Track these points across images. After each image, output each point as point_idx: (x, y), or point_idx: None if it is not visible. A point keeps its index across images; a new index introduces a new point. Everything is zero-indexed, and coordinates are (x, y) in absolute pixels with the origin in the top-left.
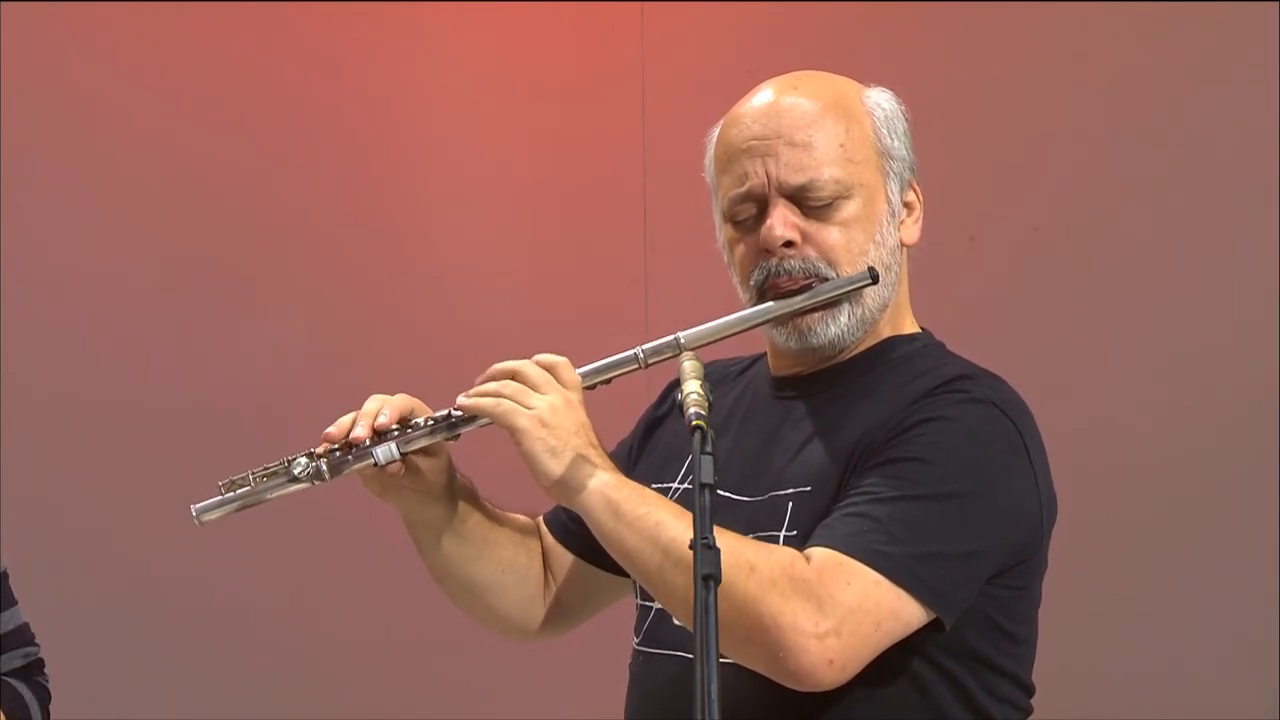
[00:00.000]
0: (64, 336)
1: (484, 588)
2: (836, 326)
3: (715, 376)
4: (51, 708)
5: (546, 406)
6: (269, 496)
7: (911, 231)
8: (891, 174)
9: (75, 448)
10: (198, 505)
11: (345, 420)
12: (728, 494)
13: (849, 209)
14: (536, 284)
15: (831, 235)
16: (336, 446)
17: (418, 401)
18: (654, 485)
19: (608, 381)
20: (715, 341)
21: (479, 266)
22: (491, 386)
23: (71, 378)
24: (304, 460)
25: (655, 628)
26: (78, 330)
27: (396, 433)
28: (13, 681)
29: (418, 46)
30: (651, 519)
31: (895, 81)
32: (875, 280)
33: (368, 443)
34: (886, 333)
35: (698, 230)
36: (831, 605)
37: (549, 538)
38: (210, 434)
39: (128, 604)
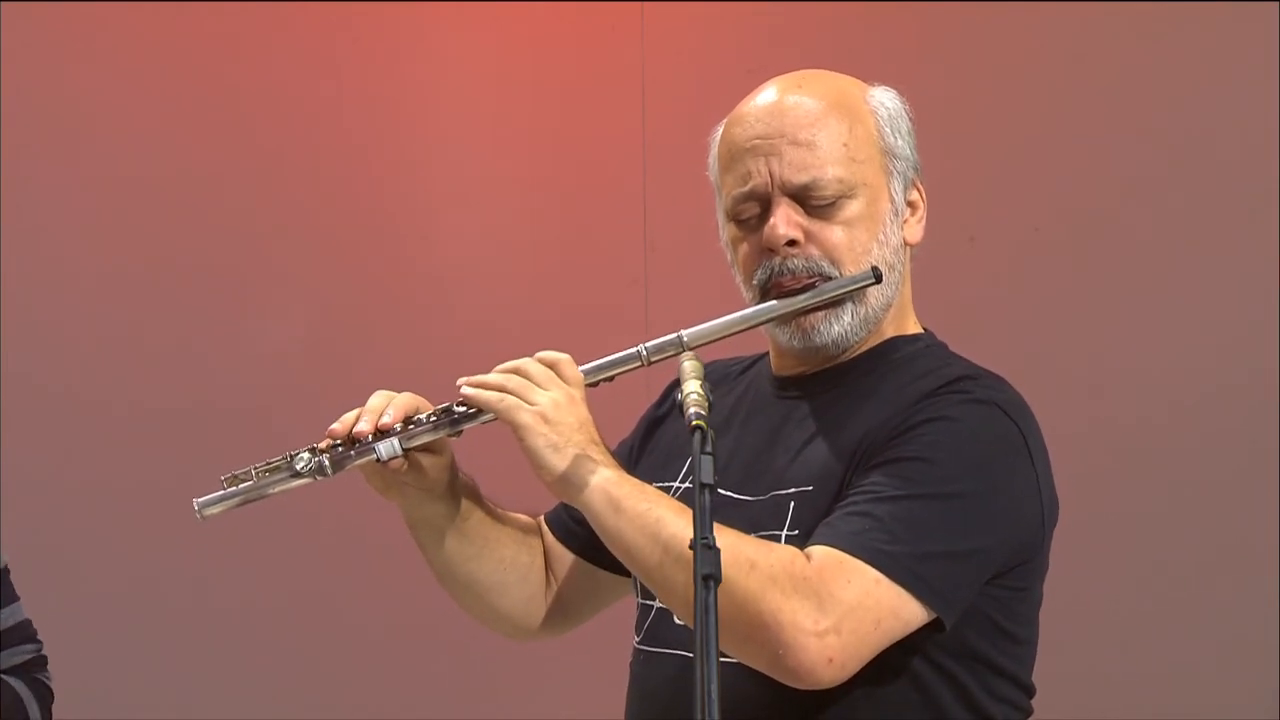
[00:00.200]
0: (64, 336)
1: (485, 586)
2: (840, 325)
3: (716, 376)
4: (53, 706)
5: (549, 402)
6: (271, 491)
7: (915, 231)
8: (895, 173)
9: (75, 447)
10: (200, 499)
11: (349, 416)
12: (729, 493)
13: (852, 208)
14: (536, 284)
15: (835, 234)
16: (339, 442)
17: (422, 400)
18: (655, 484)
19: (611, 379)
20: (718, 340)
21: (479, 266)
22: (495, 381)
23: (72, 377)
24: (306, 455)
25: (656, 627)
26: (78, 330)
27: (400, 428)
28: (10, 679)
29: (418, 46)
30: (652, 515)
31: (895, 81)
32: (878, 279)
33: (370, 438)
34: (890, 333)
35: (698, 230)
36: (832, 603)
37: (550, 537)
38: (210, 433)
39: (127, 603)
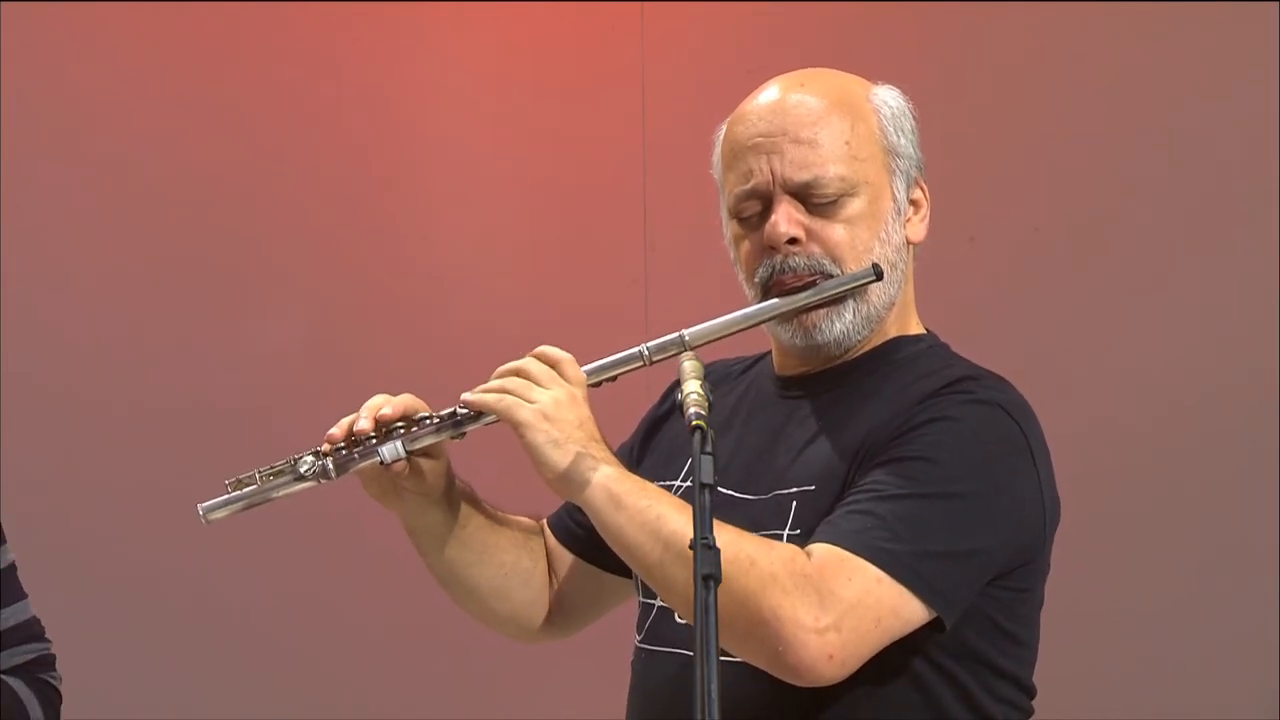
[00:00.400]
0: (64, 336)
1: (487, 591)
2: (841, 323)
3: (718, 375)
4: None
5: (550, 400)
6: (275, 495)
7: (918, 229)
8: (897, 171)
9: (75, 447)
10: (204, 504)
11: (347, 420)
12: (731, 492)
13: (854, 206)
14: (536, 284)
15: (836, 232)
16: (342, 445)
17: (421, 401)
18: (656, 483)
19: (613, 379)
20: (720, 339)
21: (479, 266)
22: (495, 383)
23: (72, 377)
24: (310, 459)
25: (657, 625)
26: (78, 330)
27: (402, 430)
28: (10, 680)
29: (418, 46)
30: (653, 512)
31: (895, 81)
32: (879, 277)
33: (374, 441)
34: (893, 332)
35: (698, 230)
36: (832, 600)
37: (552, 540)
38: (210, 433)
39: (128, 603)
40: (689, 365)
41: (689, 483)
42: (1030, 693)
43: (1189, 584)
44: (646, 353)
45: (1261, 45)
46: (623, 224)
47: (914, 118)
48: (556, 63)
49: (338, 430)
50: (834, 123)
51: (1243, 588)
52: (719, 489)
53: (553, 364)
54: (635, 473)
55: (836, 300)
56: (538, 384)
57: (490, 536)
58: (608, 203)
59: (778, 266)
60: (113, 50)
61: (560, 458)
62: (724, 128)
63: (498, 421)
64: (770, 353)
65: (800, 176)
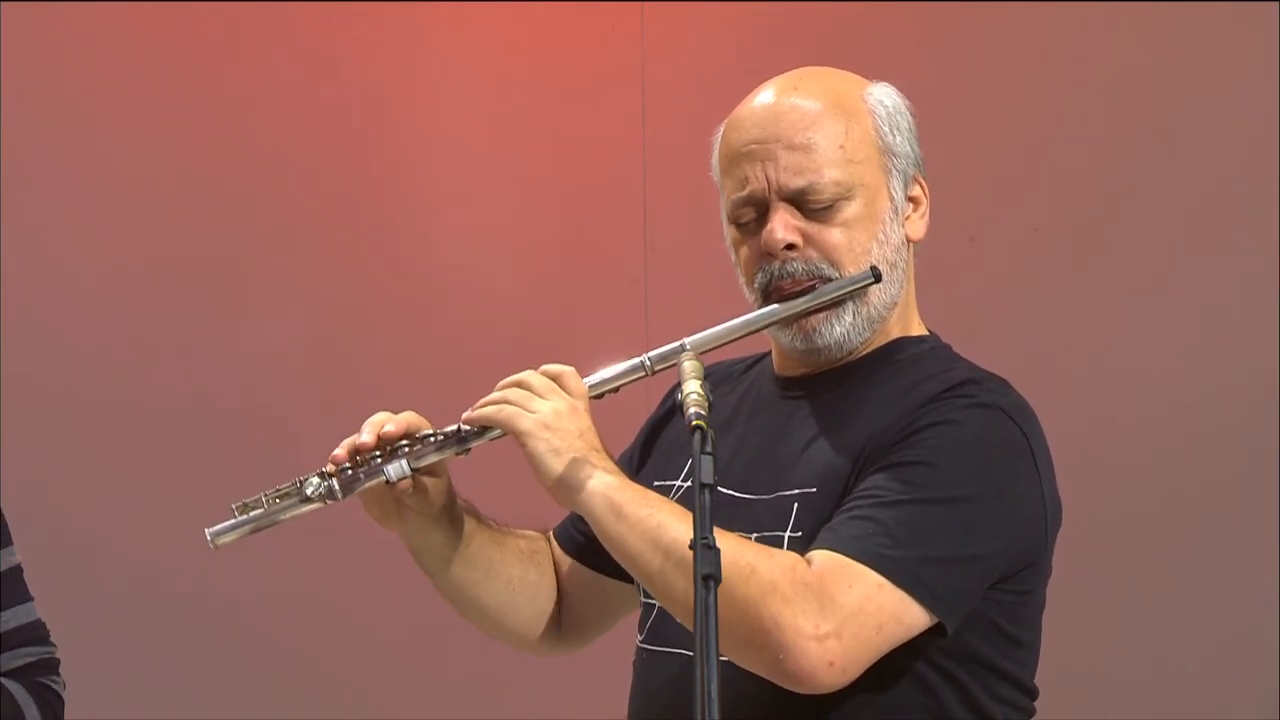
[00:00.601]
0: (64, 336)
1: (495, 608)
2: (841, 326)
3: (719, 375)
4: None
5: (550, 411)
6: (282, 517)
7: (917, 227)
8: (894, 171)
9: (75, 446)
10: (212, 529)
11: (350, 439)
12: (732, 492)
13: (850, 209)
14: (536, 284)
15: (833, 236)
16: (348, 465)
17: (423, 418)
18: (657, 482)
19: (615, 390)
20: (721, 346)
21: (479, 266)
22: (496, 395)
23: (72, 377)
24: (316, 480)
25: (659, 625)
26: (78, 329)
27: (406, 448)
28: (8, 683)
29: (418, 46)
30: (653, 520)
31: (895, 81)
32: (878, 279)
33: (378, 460)
34: (895, 332)
35: (698, 230)
36: (833, 607)
37: (559, 551)
38: (210, 433)
39: (128, 602)
40: (689, 365)
41: (690, 482)
42: (1032, 694)
43: (1189, 584)
44: (648, 363)
45: (1261, 45)
46: (623, 224)
47: (911, 115)
48: (556, 63)
49: (341, 450)
50: (828, 126)
51: (1243, 588)
52: (720, 489)
53: (554, 377)
54: (636, 478)
55: (836, 303)
56: (539, 395)
57: (495, 553)
58: (608, 203)
59: (776, 272)
60: (113, 50)
61: (561, 467)
62: (720, 132)
63: (502, 436)
64: (770, 353)
65: (795, 183)
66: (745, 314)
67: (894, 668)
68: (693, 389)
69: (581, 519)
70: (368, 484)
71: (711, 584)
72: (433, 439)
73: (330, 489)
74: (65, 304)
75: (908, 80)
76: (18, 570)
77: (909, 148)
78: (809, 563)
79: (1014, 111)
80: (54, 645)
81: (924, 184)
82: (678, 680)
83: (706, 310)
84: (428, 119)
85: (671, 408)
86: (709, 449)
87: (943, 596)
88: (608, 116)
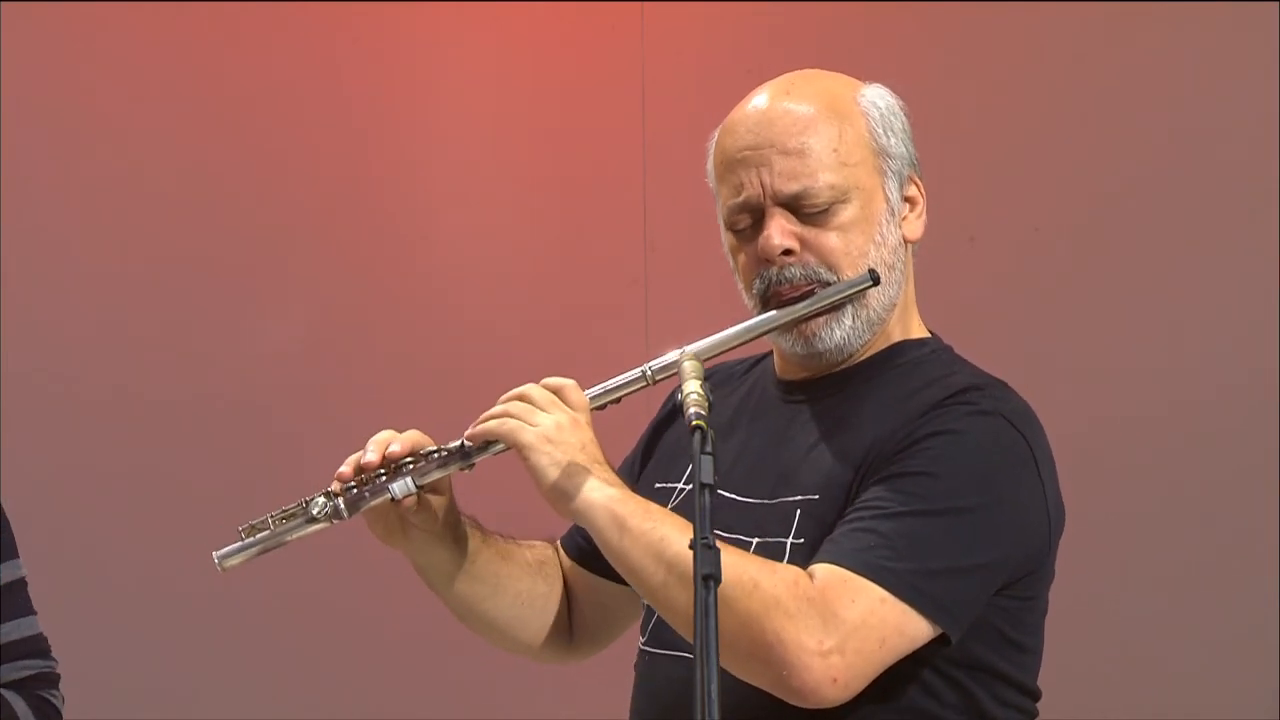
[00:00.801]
0: (64, 335)
1: (504, 622)
2: (841, 330)
3: (720, 376)
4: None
5: (552, 424)
6: (289, 538)
7: (915, 227)
8: (889, 172)
9: (76, 446)
10: (219, 552)
11: (354, 457)
12: (734, 495)
13: (846, 213)
14: (536, 284)
15: (830, 240)
16: (352, 484)
17: (426, 436)
18: (658, 485)
19: (617, 400)
20: (721, 354)
21: (479, 266)
22: (498, 408)
23: (72, 376)
24: (321, 500)
25: (660, 628)
26: (78, 329)
27: (410, 466)
28: (8, 694)
29: (418, 46)
30: (657, 534)
31: (895, 81)
32: (876, 282)
33: (383, 478)
34: (896, 335)
35: (698, 230)
36: (835, 622)
37: (566, 560)
38: (211, 433)
39: (128, 601)
40: (689, 366)
41: (691, 485)
42: (1035, 695)
43: (1189, 584)
44: (649, 373)
45: (1261, 45)
46: (623, 224)
47: (905, 115)
48: (556, 63)
49: (347, 468)
50: (822, 130)
51: (1243, 588)
52: (722, 492)
53: (555, 390)
54: (638, 480)
55: (835, 307)
56: (540, 409)
57: (502, 567)
58: (608, 203)
59: (774, 278)
60: (113, 50)
61: (563, 479)
62: (715, 138)
63: (505, 450)
64: (771, 354)
65: (790, 188)
66: (744, 320)
67: (897, 674)
68: (693, 389)
69: None
70: (373, 502)
71: (711, 584)
72: (436, 455)
73: (336, 508)
74: (65, 303)
75: (908, 80)
76: (22, 583)
77: (903, 148)
78: (811, 577)
79: (1014, 111)
80: (55, 660)
81: (920, 184)
82: (679, 682)
83: (707, 310)
84: (428, 119)
85: (673, 409)
86: (709, 449)
87: (946, 608)
88: (608, 116)
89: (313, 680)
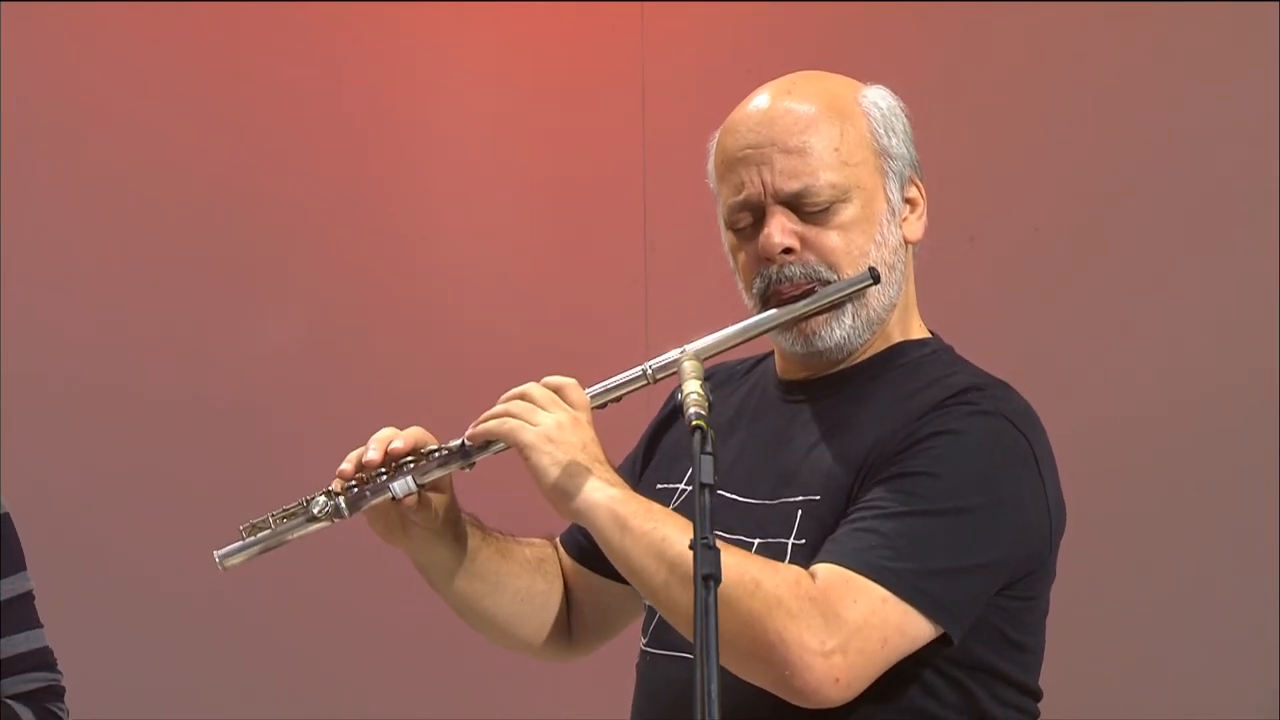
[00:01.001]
0: (64, 335)
1: (504, 619)
2: (841, 329)
3: (721, 376)
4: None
5: (553, 423)
6: (290, 537)
7: (915, 228)
8: (890, 173)
9: (76, 446)
10: (220, 551)
11: (355, 454)
12: (734, 496)
13: (847, 212)
14: (536, 284)
15: (831, 239)
16: (353, 482)
17: (428, 434)
18: (660, 486)
19: (618, 399)
20: (721, 353)
21: (479, 266)
22: (499, 408)
23: (72, 376)
24: (322, 499)
25: (661, 629)
26: (78, 329)
27: (411, 464)
28: (16, 706)
29: (418, 46)
30: (658, 534)
31: (895, 82)
32: (876, 280)
33: (384, 476)
34: (896, 335)
35: (698, 230)
36: (838, 623)
37: (566, 558)
38: (211, 433)
39: (128, 601)
40: (689, 366)
41: (692, 487)
42: (1036, 696)
43: (1189, 584)
44: (649, 372)
45: (1261, 45)
46: (623, 224)
47: (906, 116)
48: (556, 63)
49: (348, 465)
50: (823, 129)
51: (1243, 588)
52: (723, 493)
53: (556, 389)
54: (639, 481)
55: (835, 306)
56: (541, 408)
57: (502, 565)
58: (608, 203)
59: (774, 276)
60: (113, 50)
61: (564, 479)
62: (715, 139)
63: (506, 449)
64: (772, 354)
65: (791, 186)
66: (745, 319)
67: (898, 674)
68: (693, 389)
69: None
70: (374, 501)
71: (711, 584)
72: (437, 454)
73: (337, 507)
74: (66, 303)
75: (908, 80)
76: (29, 596)
77: (905, 149)
78: (813, 577)
79: (1014, 111)
80: (60, 673)
81: (920, 186)
82: (680, 683)
83: (707, 310)
84: (428, 119)
85: (673, 409)
86: (709, 449)
87: (947, 608)
88: (608, 116)
89: (313, 680)
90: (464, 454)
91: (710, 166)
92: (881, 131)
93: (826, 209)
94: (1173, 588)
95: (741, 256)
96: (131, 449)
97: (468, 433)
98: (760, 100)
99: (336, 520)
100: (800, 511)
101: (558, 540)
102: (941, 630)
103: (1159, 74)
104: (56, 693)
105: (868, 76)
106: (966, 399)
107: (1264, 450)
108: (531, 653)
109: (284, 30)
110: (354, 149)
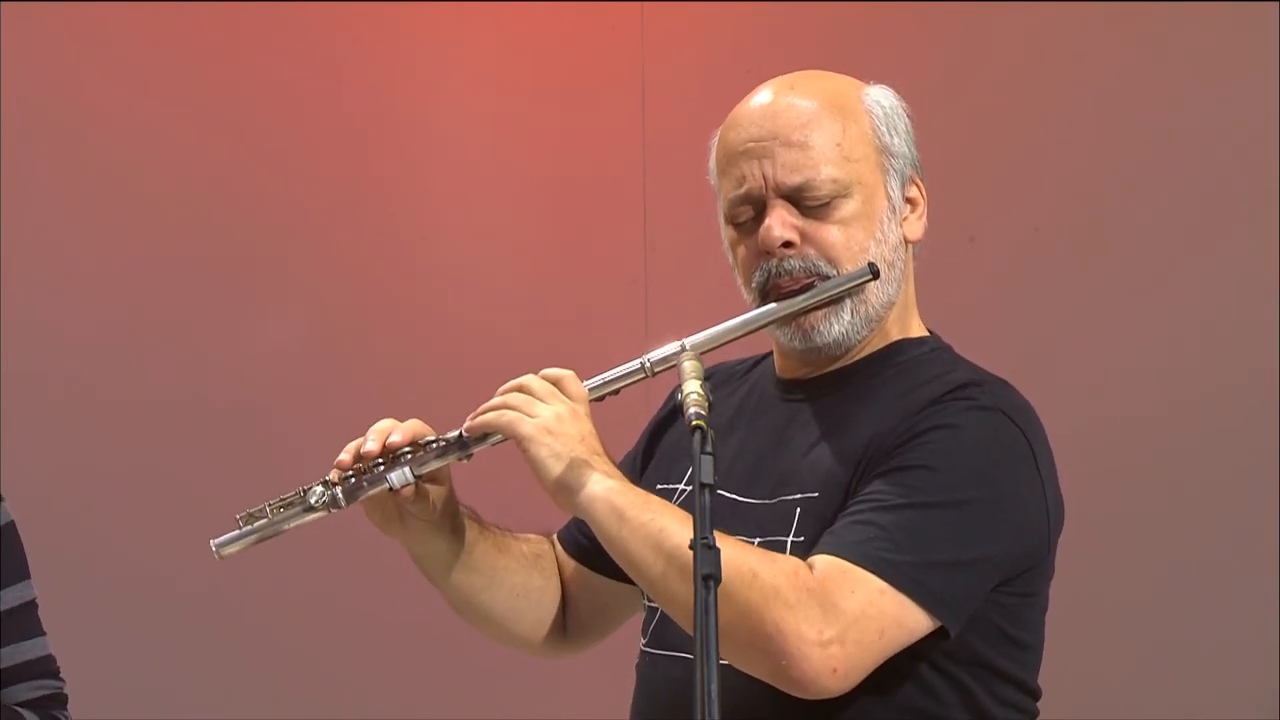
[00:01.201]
0: (64, 335)
1: (500, 614)
2: (840, 325)
3: (721, 376)
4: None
5: (552, 415)
6: (287, 527)
7: (915, 227)
8: (891, 171)
9: (76, 446)
10: (217, 540)
11: (354, 444)
12: (734, 496)
13: (848, 207)
14: (536, 284)
15: (831, 234)
16: (351, 473)
17: (426, 426)
18: (660, 486)
19: (616, 392)
20: (720, 346)
21: (479, 266)
22: (497, 400)
23: (72, 376)
24: (320, 489)
25: (661, 629)
26: (78, 329)
27: (409, 455)
28: (24, 711)
29: (418, 46)
30: (655, 525)
31: (895, 81)
32: (876, 275)
33: (381, 467)
34: (895, 334)
35: (698, 230)
36: (835, 613)
37: (563, 555)
38: (210, 433)
39: (128, 601)
40: (689, 365)
41: (692, 487)
42: (1035, 695)
43: (1189, 584)
44: (648, 364)
45: (1261, 45)
46: (623, 224)
47: (908, 117)
48: (556, 63)
49: (346, 455)
50: (825, 124)
51: (1243, 588)
52: (722, 493)
53: (554, 381)
54: (639, 481)
55: (834, 301)
56: (539, 400)
57: (498, 559)
58: (608, 203)
59: (773, 270)
60: (113, 50)
61: (563, 471)
62: (717, 135)
63: (504, 441)
64: (772, 354)
65: (792, 180)
66: (744, 313)
67: (897, 671)
68: (693, 389)
69: (585, 522)
70: (371, 491)
71: (711, 584)
72: (435, 445)
73: (334, 497)
74: (65, 303)
75: (908, 80)
76: (33, 605)
77: (906, 149)
78: (811, 568)
79: (1014, 111)
80: (63, 681)
81: (921, 186)
82: (680, 683)
83: (707, 310)
84: (428, 119)
85: (673, 409)
86: (709, 449)
87: (944, 600)
88: (608, 116)
89: (313, 681)
90: (462, 445)
91: (711, 163)
92: (884, 129)
93: (827, 204)
94: (1173, 588)
95: (741, 251)
96: (131, 449)
97: (466, 424)
98: (763, 96)
99: (333, 510)
100: (799, 509)
101: (555, 537)
102: (939, 623)
103: (1159, 74)
104: (60, 700)
105: (868, 76)
106: (965, 394)
107: (1264, 450)
108: (527, 649)
109: (284, 30)
110: (354, 149)
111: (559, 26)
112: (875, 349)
